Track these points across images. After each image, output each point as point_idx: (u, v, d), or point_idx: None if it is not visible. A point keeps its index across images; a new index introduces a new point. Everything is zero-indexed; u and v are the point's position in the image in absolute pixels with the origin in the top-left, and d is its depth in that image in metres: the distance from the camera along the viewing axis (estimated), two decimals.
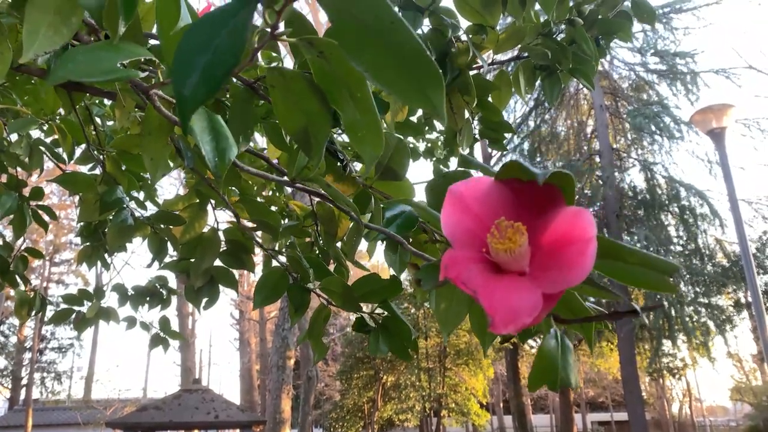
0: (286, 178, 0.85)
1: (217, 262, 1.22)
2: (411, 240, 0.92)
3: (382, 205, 0.78)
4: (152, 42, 0.85)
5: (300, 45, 0.45)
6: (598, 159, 13.35)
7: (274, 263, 1.12)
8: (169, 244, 1.36)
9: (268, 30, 0.42)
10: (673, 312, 11.57)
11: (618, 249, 0.42)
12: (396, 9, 0.37)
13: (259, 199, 1.28)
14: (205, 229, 1.22)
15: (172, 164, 1.05)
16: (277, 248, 1.21)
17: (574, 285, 0.35)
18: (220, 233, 1.22)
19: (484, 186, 0.41)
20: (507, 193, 0.40)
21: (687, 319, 11.52)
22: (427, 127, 1.97)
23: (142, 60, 0.79)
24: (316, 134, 0.55)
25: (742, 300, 12.04)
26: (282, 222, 1.22)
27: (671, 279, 0.43)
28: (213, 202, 1.26)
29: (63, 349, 24.82)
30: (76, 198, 1.73)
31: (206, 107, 0.64)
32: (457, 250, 0.39)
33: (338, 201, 0.74)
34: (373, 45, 0.39)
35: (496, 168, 0.42)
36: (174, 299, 1.86)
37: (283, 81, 0.51)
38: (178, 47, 0.36)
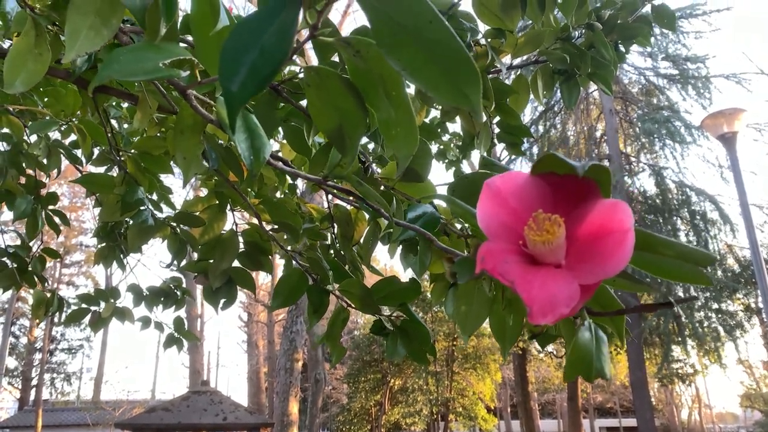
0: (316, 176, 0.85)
1: (235, 263, 1.23)
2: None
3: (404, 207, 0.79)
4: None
5: (337, 44, 0.46)
6: (607, 163, 13.26)
7: (294, 265, 1.13)
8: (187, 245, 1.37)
9: (308, 30, 0.43)
10: (683, 317, 11.48)
11: (653, 241, 0.42)
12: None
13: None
14: (224, 231, 1.23)
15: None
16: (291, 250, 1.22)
17: (612, 275, 0.35)
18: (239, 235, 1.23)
19: (520, 180, 0.41)
20: (543, 187, 0.41)
21: (697, 324, 11.41)
22: (439, 130, 1.97)
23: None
24: (351, 132, 0.56)
25: (753, 306, 11.92)
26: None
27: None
28: (230, 203, 1.26)
29: (73, 351, 24.97)
30: (87, 200, 1.75)
31: None
32: (493, 242, 0.39)
33: (369, 198, 0.75)
34: (411, 43, 0.39)
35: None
36: None
37: (319, 80, 0.52)
38: (225, 45, 0.37)
